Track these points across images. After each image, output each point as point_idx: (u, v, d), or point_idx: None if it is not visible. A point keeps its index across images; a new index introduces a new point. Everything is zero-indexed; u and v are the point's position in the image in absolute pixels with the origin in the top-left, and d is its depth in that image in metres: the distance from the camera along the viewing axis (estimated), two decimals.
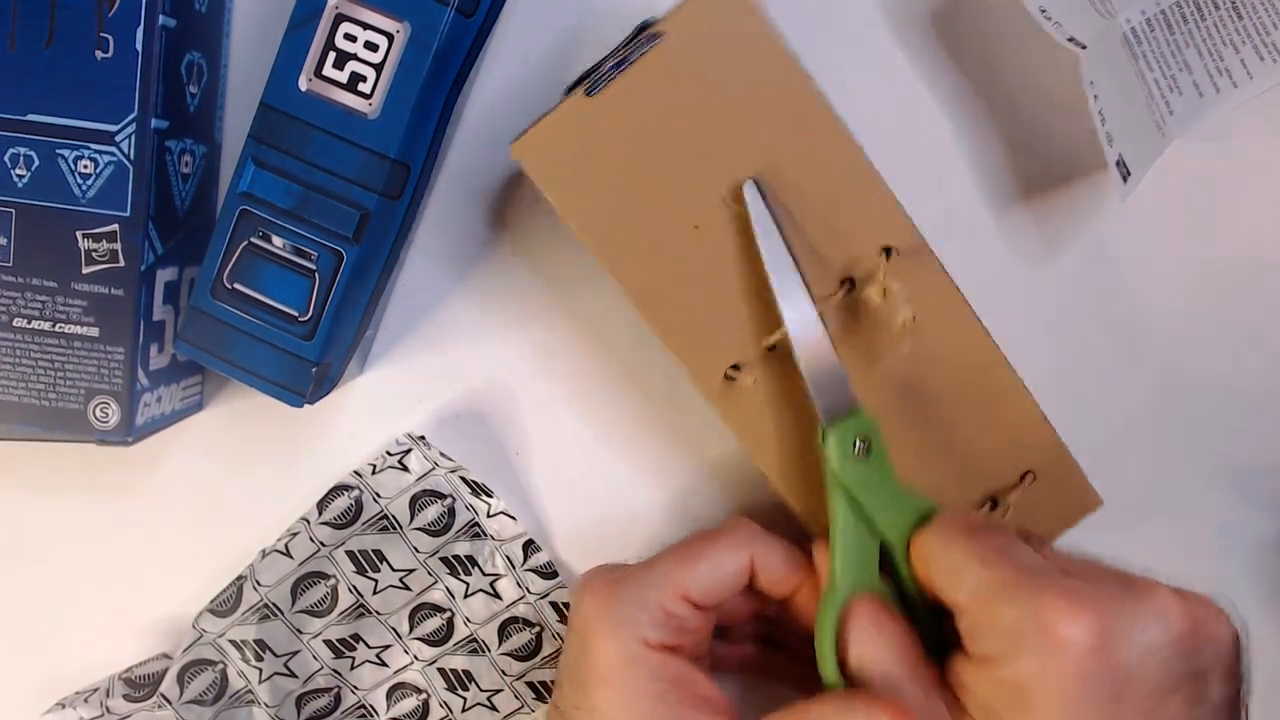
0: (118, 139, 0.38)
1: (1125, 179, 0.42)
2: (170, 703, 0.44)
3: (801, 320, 0.38)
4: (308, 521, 0.45)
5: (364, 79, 0.37)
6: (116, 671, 0.45)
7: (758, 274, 0.39)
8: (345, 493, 0.45)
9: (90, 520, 0.46)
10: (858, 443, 0.38)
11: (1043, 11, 0.40)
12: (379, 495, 0.45)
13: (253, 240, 0.39)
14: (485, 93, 0.44)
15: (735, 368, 0.40)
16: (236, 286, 0.39)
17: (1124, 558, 0.47)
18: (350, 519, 0.45)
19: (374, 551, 0.45)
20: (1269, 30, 0.42)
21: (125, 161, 0.38)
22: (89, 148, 0.38)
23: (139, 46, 0.37)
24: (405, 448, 0.45)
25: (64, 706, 0.45)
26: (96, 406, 0.39)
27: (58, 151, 0.38)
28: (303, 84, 0.38)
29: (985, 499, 0.42)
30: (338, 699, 0.46)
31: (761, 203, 0.38)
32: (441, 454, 0.45)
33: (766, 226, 0.38)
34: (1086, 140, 0.43)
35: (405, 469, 0.45)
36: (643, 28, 0.39)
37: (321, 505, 0.45)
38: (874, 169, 0.40)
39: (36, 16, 0.37)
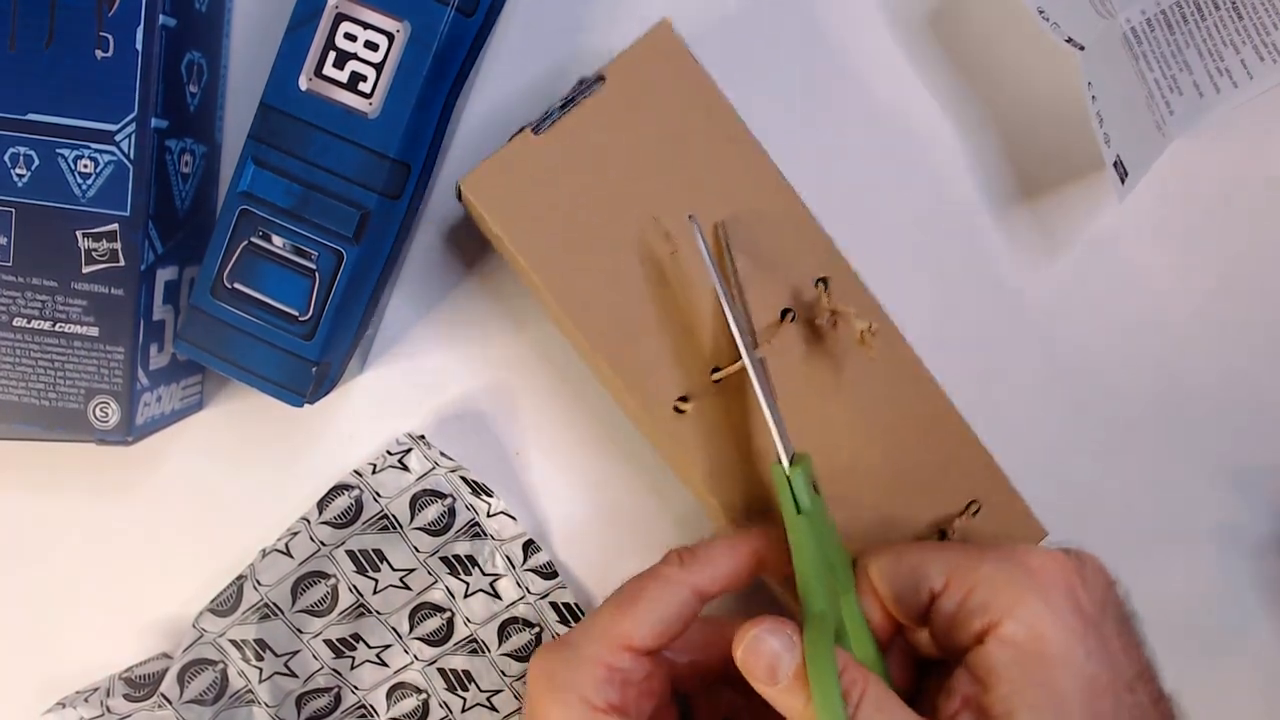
0: (118, 138, 0.38)
1: (1124, 179, 0.42)
2: (170, 702, 0.44)
3: (755, 359, 0.38)
4: (308, 521, 0.45)
5: (364, 78, 0.37)
6: (117, 671, 0.45)
7: (702, 308, 0.40)
8: (345, 492, 0.45)
9: (90, 520, 0.46)
10: (814, 480, 0.38)
11: (1042, 12, 0.40)
12: (379, 495, 0.45)
13: (253, 240, 0.39)
14: (485, 93, 0.44)
15: (683, 399, 0.41)
16: (236, 286, 0.39)
17: (1124, 557, 0.47)
18: (350, 518, 0.45)
19: (374, 551, 0.45)
20: (1269, 30, 0.42)
21: (125, 161, 0.38)
22: (89, 147, 0.38)
23: (139, 46, 0.37)
24: (405, 447, 0.45)
25: (64, 706, 0.45)
26: (96, 406, 0.39)
27: (58, 151, 0.38)
28: (303, 83, 0.38)
29: (934, 528, 0.43)
30: (338, 699, 0.46)
31: (703, 240, 0.39)
32: (442, 454, 0.45)
33: (714, 264, 0.39)
34: (1086, 140, 0.43)
35: (405, 468, 0.45)
36: (586, 79, 0.40)
37: (322, 505, 0.45)
38: (805, 206, 0.41)
39: (36, 16, 0.37)
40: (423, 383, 0.46)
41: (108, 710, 0.45)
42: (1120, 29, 0.43)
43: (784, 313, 0.41)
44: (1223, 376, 0.46)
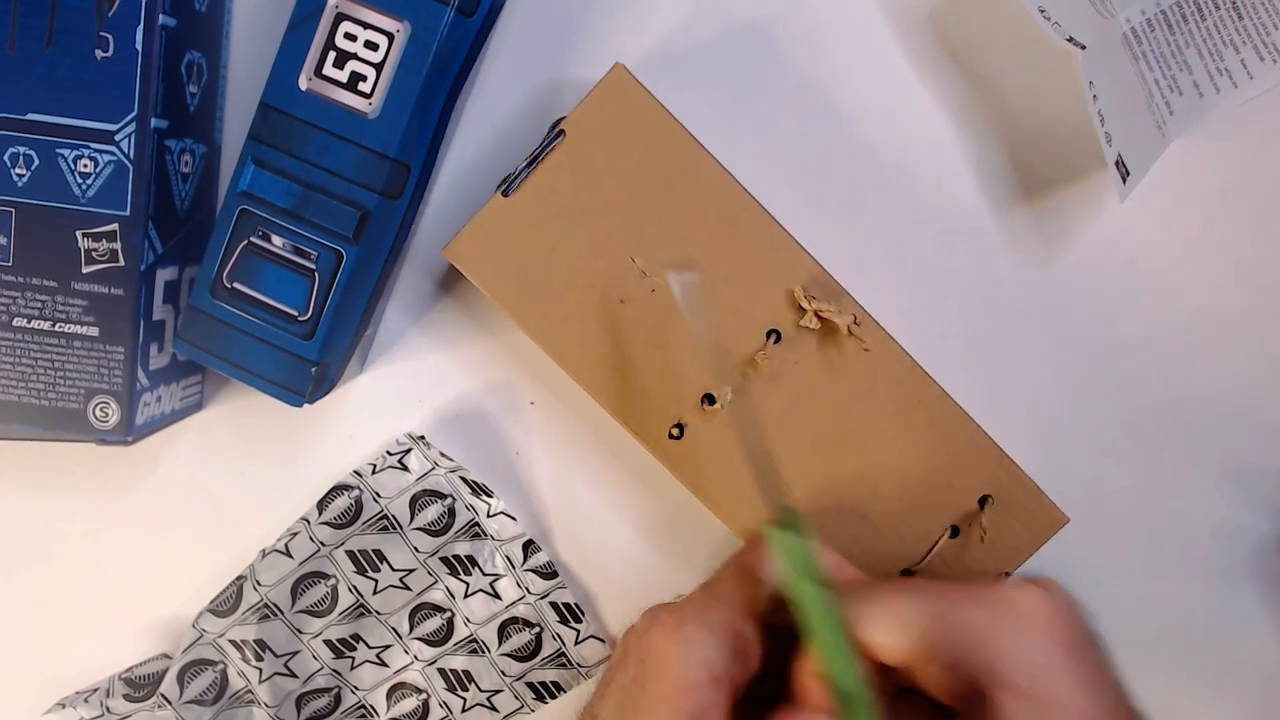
0: (118, 138, 0.38)
1: (1125, 179, 0.42)
2: (170, 703, 0.44)
3: (734, 408, 0.40)
4: (308, 521, 0.45)
5: (364, 78, 0.38)
6: (117, 671, 0.45)
7: (684, 340, 0.42)
8: (345, 492, 0.45)
9: (90, 520, 0.46)
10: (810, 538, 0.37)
11: (1042, 11, 0.40)
12: (379, 495, 0.45)
13: (252, 240, 0.39)
14: (485, 93, 0.44)
15: (679, 426, 0.42)
16: (236, 286, 0.39)
17: (1124, 557, 0.47)
18: (350, 519, 0.45)
19: (374, 551, 0.45)
20: (1269, 30, 0.42)
21: (125, 161, 0.38)
22: (89, 147, 0.38)
23: (139, 46, 0.37)
24: (405, 447, 0.45)
25: (64, 706, 0.45)
26: (96, 406, 0.39)
27: (58, 151, 0.38)
28: (303, 83, 0.38)
29: (948, 527, 0.43)
30: (338, 699, 0.46)
31: (683, 291, 0.40)
32: (442, 454, 0.45)
33: (693, 312, 0.40)
34: (1086, 140, 0.43)
35: (405, 469, 0.45)
36: (555, 125, 0.41)
37: (321, 505, 0.45)
38: (778, 223, 0.42)
39: (36, 16, 0.37)
40: (423, 383, 0.46)
41: (107, 710, 0.45)
42: (1120, 29, 0.43)
43: (769, 333, 0.42)
44: (1223, 376, 0.46)
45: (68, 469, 0.46)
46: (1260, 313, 0.46)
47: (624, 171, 0.41)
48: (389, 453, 0.45)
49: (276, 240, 0.39)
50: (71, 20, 0.37)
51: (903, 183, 0.45)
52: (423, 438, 0.45)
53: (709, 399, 0.42)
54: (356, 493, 0.45)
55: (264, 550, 0.45)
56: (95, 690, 0.45)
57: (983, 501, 0.43)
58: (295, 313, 0.39)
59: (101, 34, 0.37)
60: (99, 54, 0.37)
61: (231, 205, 0.39)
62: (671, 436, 0.42)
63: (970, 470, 0.43)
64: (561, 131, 0.41)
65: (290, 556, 0.45)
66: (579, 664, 0.46)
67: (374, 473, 0.45)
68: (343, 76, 0.38)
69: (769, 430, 0.42)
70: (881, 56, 0.45)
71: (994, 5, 0.44)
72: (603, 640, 0.46)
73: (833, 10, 0.45)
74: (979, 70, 0.45)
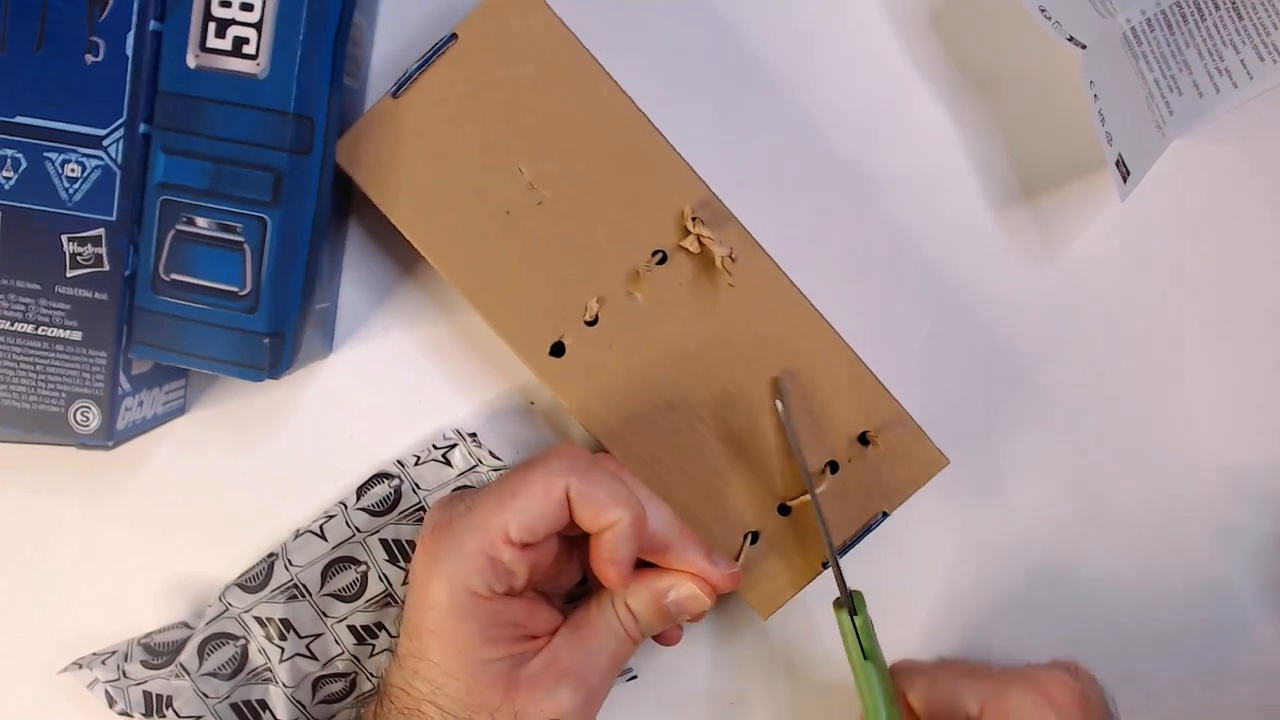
0: (105, 143, 0.38)
1: (1125, 179, 0.41)
2: (189, 673, 0.44)
3: (815, 497, 0.42)
4: (345, 506, 0.45)
5: (247, 40, 0.37)
6: (135, 636, 0.45)
7: (572, 252, 0.42)
8: (385, 481, 0.45)
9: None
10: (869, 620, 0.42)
11: (1043, 11, 0.40)
12: (418, 486, 0.45)
13: (178, 228, 0.39)
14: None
15: (559, 344, 0.42)
16: (174, 277, 0.39)
17: (1124, 558, 0.47)
18: (388, 507, 0.45)
19: (408, 542, 0.45)
20: (1269, 30, 0.42)
21: (113, 166, 0.38)
22: (76, 151, 0.38)
23: (129, 51, 0.37)
24: (451, 442, 0.45)
25: (81, 666, 0.45)
26: (77, 410, 0.39)
27: (45, 154, 0.38)
28: (191, 61, 0.38)
29: (825, 462, 0.43)
30: (353, 684, 0.46)
31: (781, 407, 0.42)
32: (490, 453, 0.45)
33: (788, 423, 0.42)
34: (1086, 140, 0.43)
35: (448, 463, 0.45)
36: (452, 35, 0.41)
37: (361, 491, 0.45)
38: (666, 140, 0.42)
39: (27, 19, 0.37)
40: (421, 383, 0.46)
41: (124, 675, 0.44)
42: (1120, 29, 0.43)
43: (655, 253, 0.42)
44: (1222, 376, 0.46)
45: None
46: (1261, 312, 0.46)
47: (517, 80, 0.41)
48: (434, 446, 0.45)
49: (201, 222, 0.39)
50: (62, 24, 0.37)
51: (903, 183, 0.45)
52: (474, 435, 0.45)
53: (594, 322, 0.42)
54: (397, 482, 0.45)
55: (298, 530, 0.45)
56: (113, 653, 0.45)
57: (863, 439, 0.43)
58: (235, 289, 0.39)
59: (92, 38, 0.37)
60: (89, 58, 0.37)
61: (152, 199, 0.39)
62: (552, 354, 0.42)
63: (856, 407, 0.43)
64: (454, 35, 0.40)
65: (324, 539, 0.45)
66: None
67: (416, 464, 0.45)
68: (227, 44, 0.37)
69: (650, 352, 0.42)
70: (882, 56, 0.45)
71: (995, 5, 0.44)
72: None
73: (832, 10, 0.44)
74: (979, 70, 0.44)
